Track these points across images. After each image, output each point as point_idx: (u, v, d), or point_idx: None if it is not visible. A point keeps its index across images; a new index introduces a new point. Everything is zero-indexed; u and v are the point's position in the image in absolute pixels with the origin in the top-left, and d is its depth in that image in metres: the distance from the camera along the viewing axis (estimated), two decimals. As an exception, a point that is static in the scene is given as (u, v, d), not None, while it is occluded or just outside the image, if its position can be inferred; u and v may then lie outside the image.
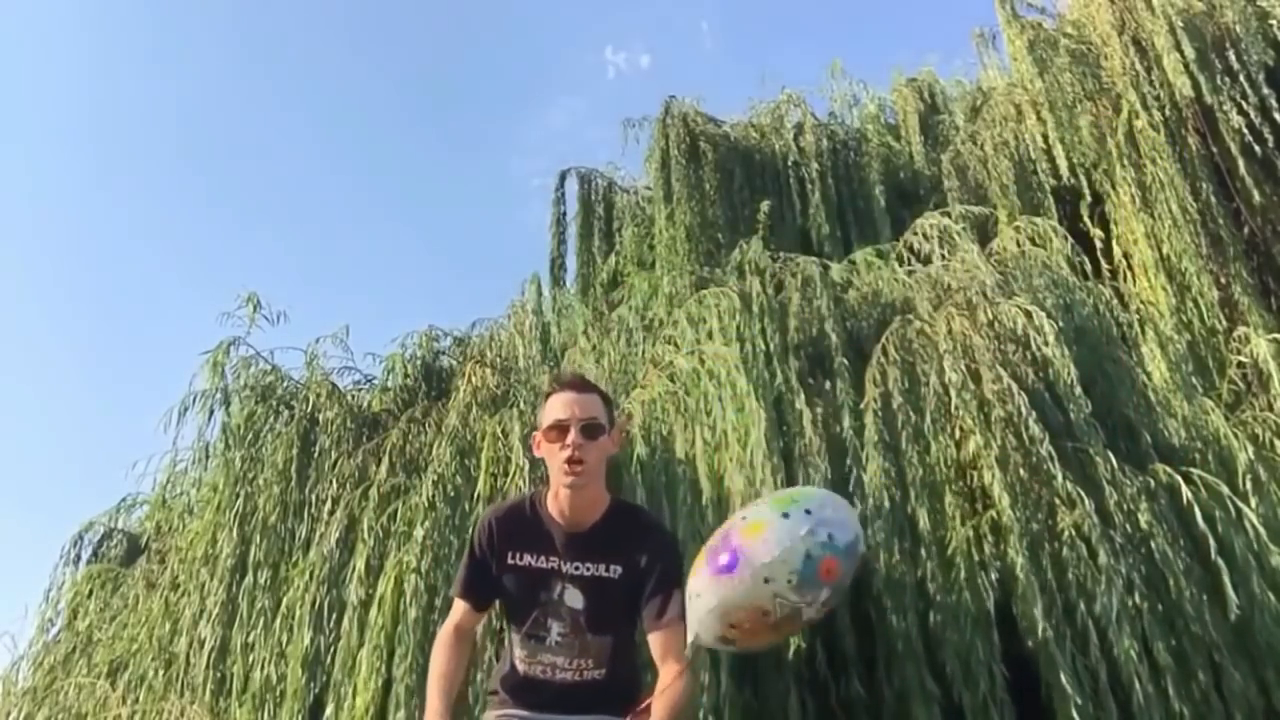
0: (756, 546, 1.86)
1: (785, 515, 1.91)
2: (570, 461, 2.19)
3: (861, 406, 4.93)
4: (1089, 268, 6.28)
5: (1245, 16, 7.60)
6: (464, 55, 27.40)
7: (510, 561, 2.27)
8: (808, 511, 1.91)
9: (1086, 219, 7.54)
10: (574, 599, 2.22)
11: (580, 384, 2.38)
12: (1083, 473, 4.56)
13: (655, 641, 2.19)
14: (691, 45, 26.47)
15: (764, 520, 1.93)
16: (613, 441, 2.34)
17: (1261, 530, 4.38)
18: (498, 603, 2.43)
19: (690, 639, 1.97)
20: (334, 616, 4.79)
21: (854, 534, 1.99)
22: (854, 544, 1.96)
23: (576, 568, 2.23)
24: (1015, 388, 4.66)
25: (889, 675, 4.29)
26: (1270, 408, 5.60)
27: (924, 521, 4.53)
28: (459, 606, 2.36)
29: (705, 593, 1.91)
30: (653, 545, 2.32)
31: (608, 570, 2.23)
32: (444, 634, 2.35)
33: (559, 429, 2.23)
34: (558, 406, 2.26)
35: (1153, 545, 4.29)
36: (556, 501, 2.27)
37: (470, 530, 2.48)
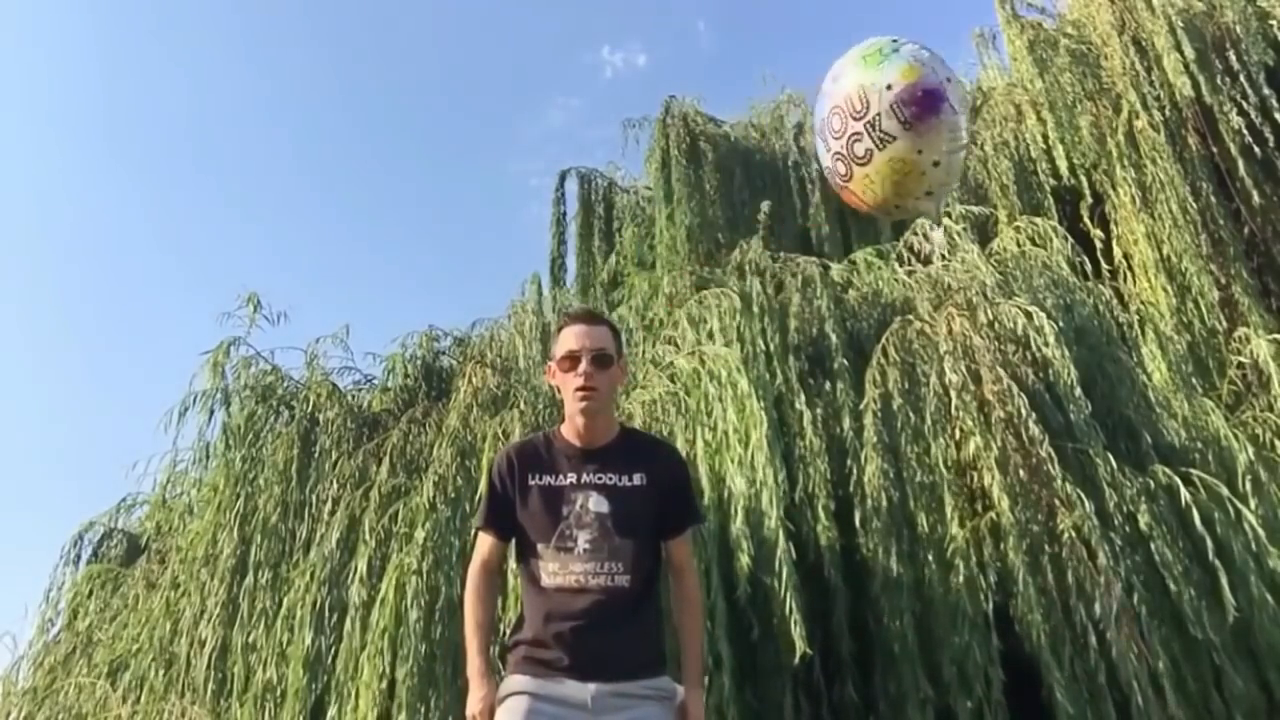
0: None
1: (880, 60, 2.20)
2: (583, 388, 2.35)
3: (861, 407, 4.93)
4: (1089, 268, 6.29)
5: (1245, 16, 7.60)
6: (462, 55, 27.38)
7: (531, 483, 2.37)
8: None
9: (1086, 219, 7.54)
10: (599, 504, 2.32)
11: (591, 317, 2.53)
12: (1082, 474, 4.56)
13: (676, 550, 2.44)
14: (688, 45, 26.49)
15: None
16: (621, 370, 2.50)
17: (1260, 531, 4.38)
18: (513, 550, 2.48)
19: (936, 208, 2.17)
20: (335, 617, 4.79)
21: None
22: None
23: (599, 477, 2.35)
24: (1015, 388, 4.66)
25: (885, 679, 4.29)
26: (1270, 408, 5.60)
27: (923, 523, 4.54)
28: (484, 541, 2.45)
29: (942, 137, 2.14)
30: (670, 460, 2.54)
31: (630, 479, 2.36)
32: (474, 574, 2.43)
33: (571, 359, 2.39)
34: (570, 338, 2.41)
35: (1152, 547, 4.29)
36: (572, 426, 2.41)
37: (488, 469, 2.59)
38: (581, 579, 2.27)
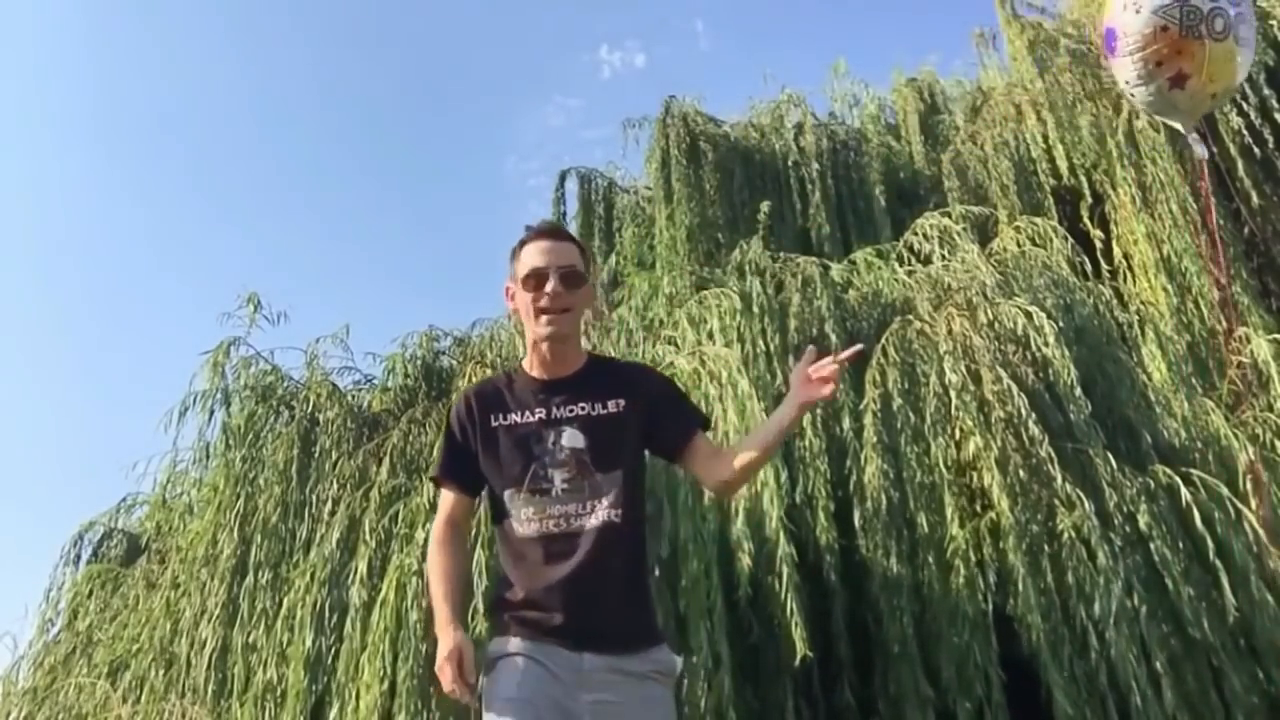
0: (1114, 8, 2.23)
1: None
2: (550, 310, 2.08)
3: (861, 407, 4.94)
4: (1089, 268, 6.29)
5: (1245, 16, 7.60)
6: (460, 55, 27.37)
7: (494, 424, 2.12)
8: None
9: (1086, 219, 7.53)
10: (573, 439, 2.07)
11: (556, 231, 2.24)
12: (1082, 474, 4.57)
13: (700, 452, 2.16)
14: (687, 45, 26.43)
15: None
16: (590, 292, 2.26)
17: (1261, 531, 4.38)
18: (485, 503, 2.24)
19: (1178, 122, 2.19)
20: (335, 618, 4.79)
21: None
22: None
23: (570, 409, 2.09)
24: (1015, 388, 4.67)
25: (885, 680, 4.30)
26: (1270, 408, 5.59)
27: (923, 523, 4.54)
28: (446, 497, 2.19)
29: (1121, 75, 2.18)
30: (649, 377, 2.32)
31: (605, 407, 2.10)
32: (436, 531, 2.17)
33: (537, 277, 2.09)
34: (534, 254, 2.12)
35: (1152, 547, 4.30)
36: (537, 355, 2.16)
37: (446, 415, 2.25)
38: (562, 522, 2.02)
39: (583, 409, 2.09)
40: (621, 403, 2.11)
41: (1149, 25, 2.04)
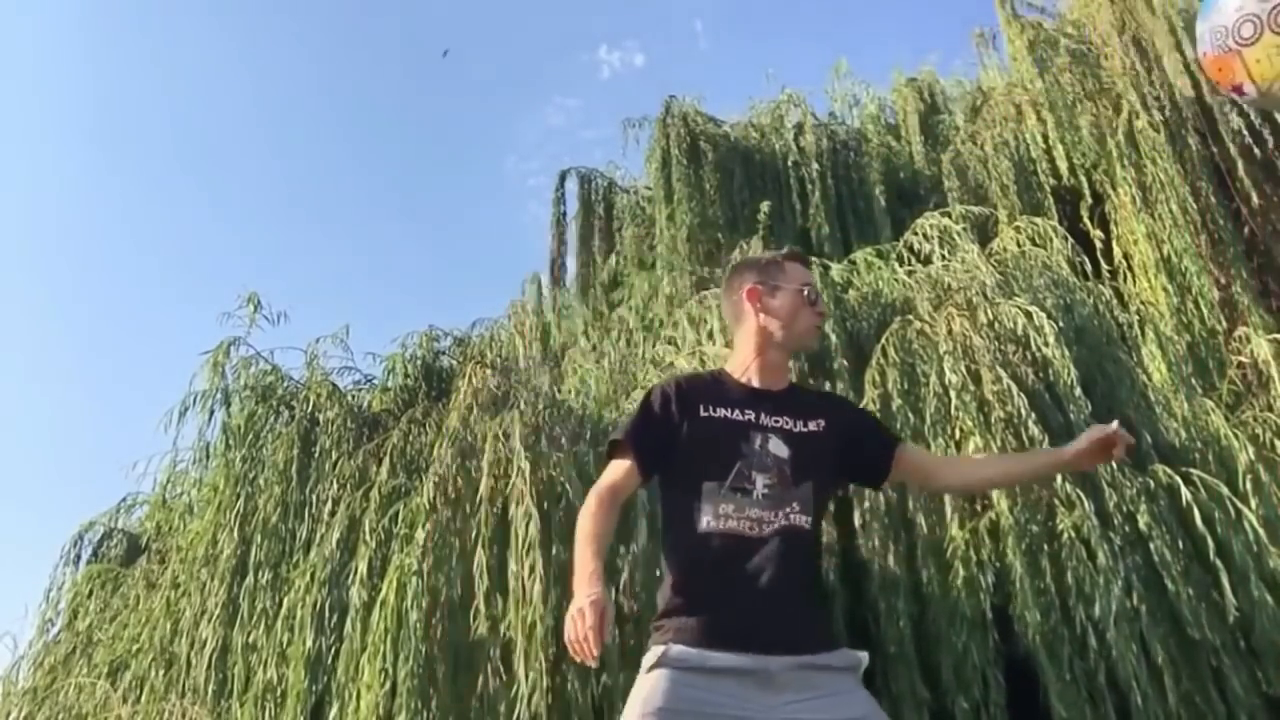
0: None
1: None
2: (820, 324, 2.32)
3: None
4: (1089, 268, 6.29)
5: (1245, 17, 7.60)
6: (460, 55, 27.35)
7: (705, 414, 2.11)
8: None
9: (1086, 219, 7.53)
10: (779, 448, 2.09)
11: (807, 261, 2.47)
12: (1082, 474, 4.56)
13: (916, 457, 2.32)
14: (686, 44, 26.41)
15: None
16: None
17: (1261, 531, 4.38)
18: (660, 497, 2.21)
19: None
20: (335, 618, 4.79)
21: None
22: None
23: (776, 421, 2.12)
24: (1015, 388, 4.67)
25: (884, 680, 4.30)
26: (1270, 408, 5.59)
27: (922, 523, 4.55)
28: (619, 466, 2.13)
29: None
30: (846, 406, 2.51)
31: (808, 425, 2.14)
32: (598, 492, 2.10)
33: (816, 293, 2.30)
34: (805, 273, 2.33)
35: (1151, 547, 4.30)
36: (757, 363, 2.21)
37: (645, 396, 2.25)
38: (756, 526, 1.99)
39: (787, 422, 2.13)
40: (822, 423, 2.16)
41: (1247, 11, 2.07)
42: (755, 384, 2.20)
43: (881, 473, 2.27)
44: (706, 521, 2.02)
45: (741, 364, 2.24)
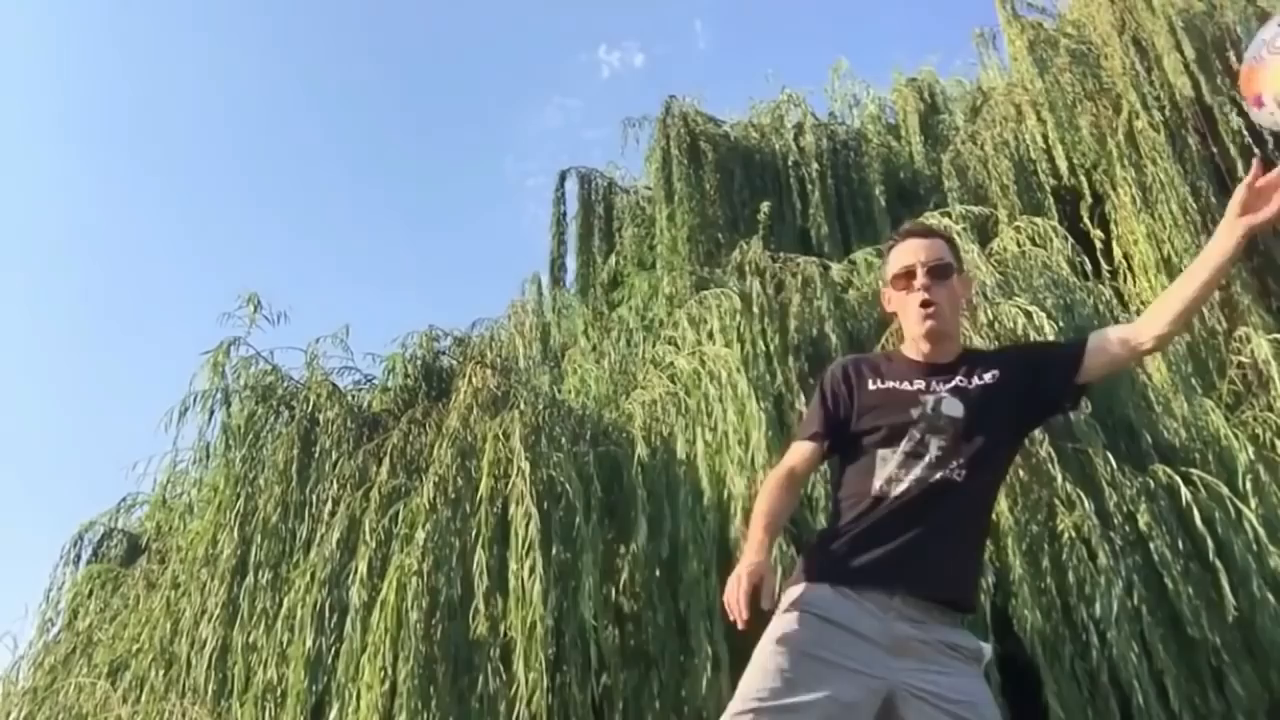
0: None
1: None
2: (926, 303, 2.12)
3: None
4: (1089, 268, 6.29)
5: (1245, 17, 7.60)
6: (458, 55, 27.37)
7: (875, 387, 2.16)
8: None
9: (1086, 219, 7.53)
10: (952, 407, 2.09)
11: (925, 230, 2.34)
12: (1082, 474, 4.57)
13: (1100, 342, 2.12)
14: (685, 44, 26.44)
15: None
16: (963, 284, 2.27)
17: (1261, 531, 4.39)
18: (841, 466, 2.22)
19: None
20: (336, 618, 4.79)
21: None
22: None
23: (948, 382, 2.12)
24: (1015, 389, 4.66)
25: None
26: (1270, 408, 5.59)
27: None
28: (800, 449, 2.19)
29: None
30: (1023, 345, 2.32)
31: (981, 378, 2.12)
32: (775, 474, 2.17)
33: (907, 274, 2.16)
34: (904, 253, 2.20)
35: (1152, 546, 4.30)
36: (916, 346, 2.20)
37: (819, 383, 2.29)
38: (929, 486, 2.02)
39: (961, 382, 2.12)
40: (996, 373, 2.13)
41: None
42: (922, 359, 2.18)
43: (1068, 391, 2.15)
44: (879, 485, 2.05)
45: (907, 346, 2.25)
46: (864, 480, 2.08)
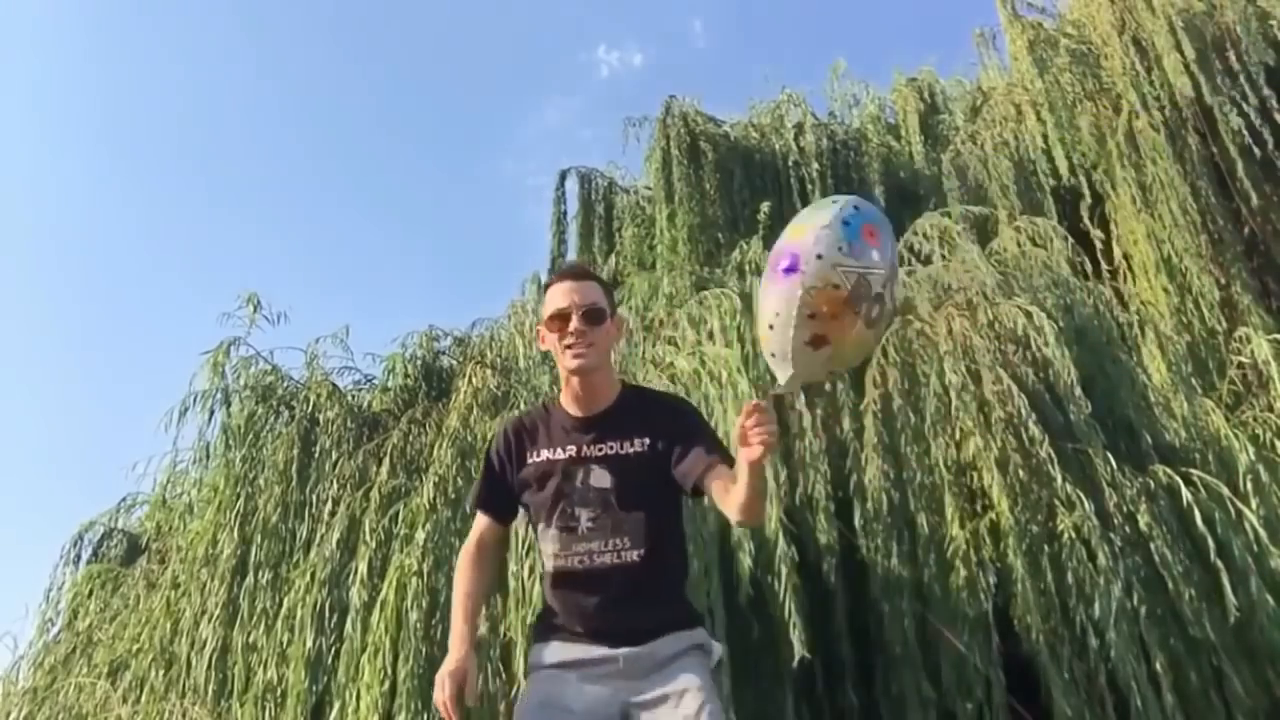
0: (805, 240, 2.03)
1: (818, 209, 2.14)
2: (574, 345, 2.21)
3: (861, 408, 4.93)
4: (1089, 268, 6.29)
5: (1245, 16, 7.60)
6: (457, 54, 27.37)
7: (531, 460, 2.26)
8: (834, 201, 2.13)
9: (1086, 219, 7.54)
10: (600, 479, 2.19)
11: (579, 272, 2.40)
12: (1082, 474, 4.56)
13: (717, 480, 2.15)
14: (684, 44, 26.47)
15: (802, 222, 2.12)
16: (615, 327, 2.34)
17: (1261, 532, 4.38)
18: (527, 528, 2.41)
19: (785, 375, 1.94)
20: (336, 618, 4.79)
21: (879, 213, 2.12)
22: (882, 221, 2.08)
23: (599, 448, 2.22)
24: (1015, 389, 4.67)
25: (886, 681, 4.29)
26: (1270, 408, 5.59)
27: (923, 523, 4.54)
28: (480, 521, 2.35)
29: (777, 300, 1.96)
30: (672, 411, 2.37)
31: (633, 445, 2.22)
32: (465, 550, 2.31)
33: (561, 318, 2.24)
34: (558, 296, 2.27)
35: (1152, 547, 4.29)
36: (570, 391, 2.29)
37: (487, 445, 2.44)
38: (585, 560, 2.15)
39: (610, 448, 2.21)
40: (646, 441, 2.22)
41: (827, 274, 1.95)
42: (577, 411, 2.27)
43: (692, 488, 2.20)
44: (546, 561, 2.21)
45: (564, 394, 2.32)
46: (541, 551, 2.24)
